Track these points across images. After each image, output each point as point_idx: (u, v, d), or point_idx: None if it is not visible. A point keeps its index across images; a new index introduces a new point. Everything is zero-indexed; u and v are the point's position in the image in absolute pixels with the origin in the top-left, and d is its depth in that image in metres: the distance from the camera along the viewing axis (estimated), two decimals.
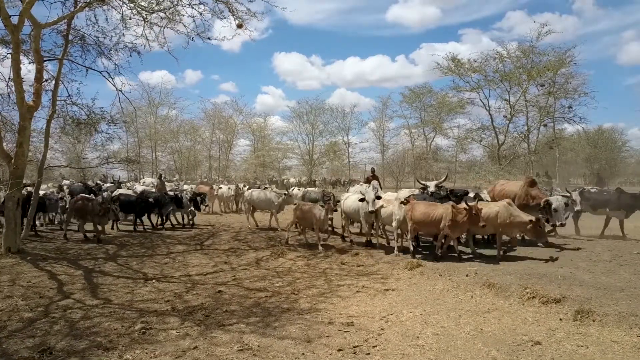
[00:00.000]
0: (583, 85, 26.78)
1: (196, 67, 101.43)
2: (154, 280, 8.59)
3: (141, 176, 35.35)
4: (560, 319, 5.41)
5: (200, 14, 11.82)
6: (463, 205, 8.57)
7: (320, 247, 10.44)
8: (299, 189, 17.46)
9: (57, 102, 11.69)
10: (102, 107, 11.93)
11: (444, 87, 37.98)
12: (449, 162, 49.63)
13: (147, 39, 12.26)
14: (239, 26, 12.73)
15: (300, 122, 44.43)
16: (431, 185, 10.52)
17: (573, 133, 35.61)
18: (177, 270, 9.38)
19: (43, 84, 10.71)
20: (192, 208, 14.30)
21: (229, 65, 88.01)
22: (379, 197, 9.79)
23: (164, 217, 14.24)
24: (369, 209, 9.63)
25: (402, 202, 9.36)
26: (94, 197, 12.54)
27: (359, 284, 7.80)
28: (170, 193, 14.33)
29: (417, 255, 9.18)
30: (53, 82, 11.66)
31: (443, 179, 11.69)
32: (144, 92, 36.32)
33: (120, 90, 11.02)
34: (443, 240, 8.99)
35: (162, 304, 7.25)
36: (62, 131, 12.03)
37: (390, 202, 9.73)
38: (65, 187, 17.42)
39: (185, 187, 18.40)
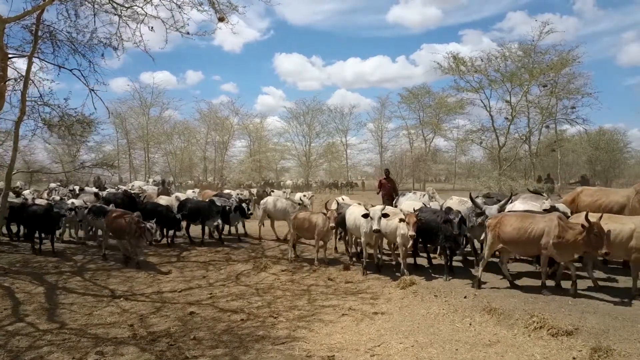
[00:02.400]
0: (586, 86, 25.98)
1: (197, 67, 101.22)
2: (120, 299, 7.79)
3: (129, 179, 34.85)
4: (574, 358, 4.60)
5: (179, 7, 11.00)
6: (579, 218, 6.56)
7: (316, 262, 9.57)
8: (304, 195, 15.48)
9: (28, 103, 10.86)
10: (75, 108, 11.08)
11: (444, 87, 37.09)
12: (449, 164, 48.87)
13: (122, 38, 11.42)
14: (221, 19, 11.98)
15: (297, 123, 43.59)
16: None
17: (574, 134, 34.88)
18: (149, 286, 8.57)
19: (8, 82, 9.90)
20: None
21: (229, 66, 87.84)
22: (385, 215, 8.29)
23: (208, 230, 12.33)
24: (374, 227, 8.09)
25: (401, 220, 7.95)
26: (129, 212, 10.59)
27: (346, 306, 7.00)
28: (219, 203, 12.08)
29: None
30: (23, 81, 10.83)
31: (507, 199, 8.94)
32: (135, 92, 35.62)
33: (92, 90, 10.21)
34: (548, 268, 6.97)
35: (122, 328, 6.46)
36: (33, 134, 11.20)
37: (395, 216, 8.34)
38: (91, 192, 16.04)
39: (189, 193, 16.69)
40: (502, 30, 77.19)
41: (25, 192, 16.19)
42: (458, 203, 8.33)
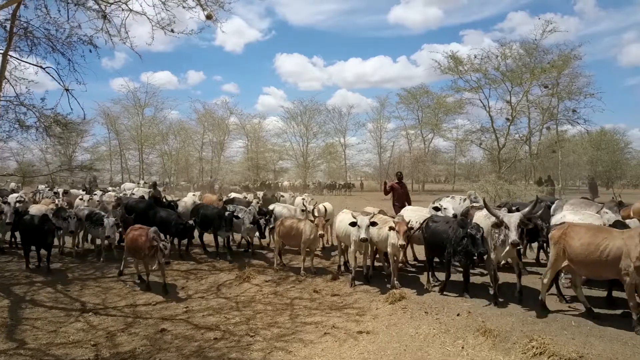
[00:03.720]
0: (588, 86, 25.38)
1: (198, 68, 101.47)
2: (90, 313, 7.27)
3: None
4: None
5: (164, 3, 10.47)
6: None
7: (302, 272, 9.02)
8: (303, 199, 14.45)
9: (2, 103, 10.33)
10: (52, 108, 10.52)
11: (442, 87, 36.58)
12: (449, 165, 48.31)
13: (110, 34, 10.92)
14: (208, 17, 11.49)
15: (294, 123, 43.04)
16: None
17: (575, 135, 34.35)
18: (123, 299, 8.04)
19: None
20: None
21: (231, 67, 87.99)
22: (374, 224, 7.67)
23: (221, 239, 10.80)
24: (361, 236, 7.57)
25: (391, 228, 7.38)
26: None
27: (329, 323, 6.47)
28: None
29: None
30: None
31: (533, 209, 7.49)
32: (129, 92, 35.06)
33: (67, 89, 9.68)
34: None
35: (85, 349, 5.95)
36: (7, 136, 10.64)
37: (386, 223, 7.74)
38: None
39: (190, 196, 15.30)
40: (503, 31, 76.93)
41: (11, 198, 15.22)
42: (484, 217, 7.01)
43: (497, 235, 6.47)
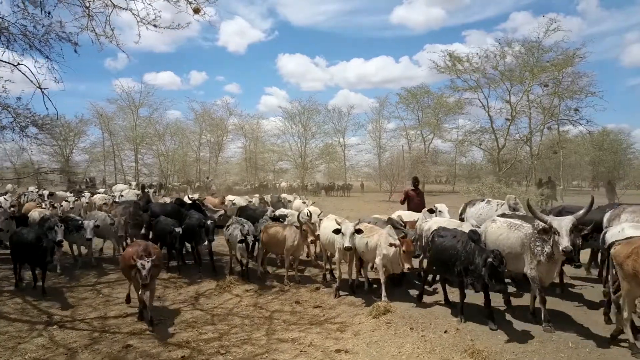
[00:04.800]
0: (590, 86, 24.83)
1: (201, 68, 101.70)
2: (55, 326, 6.81)
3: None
4: None
5: None
6: None
7: (286, 281, 8.56)
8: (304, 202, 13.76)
9: None
10: (29, 108, 10.08)
11: (440, 87, 36.05)
12: (449, 165, 47.74)
13: (95, 32, 10.50)
14: (196, 11, 11.09)
15: (292, 124, 42.58)
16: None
17: (577, 135, 33.79)
18: (94, 310, 7.59)
19: None
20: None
21: (233, 67, 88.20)
22: (359, 231, 7.21)
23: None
24: (345, 244, 7.11)
25: (392, 245, 6.71)
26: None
27: (307, 340, 5.99)
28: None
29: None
30: None
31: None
32: (123, 92, 34.61)
33: (40, 88, 9.24)
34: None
35: None
36: None
37: (374, 232, 7.31)
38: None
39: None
40: (506, 31, 76.62)
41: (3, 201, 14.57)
42: (508, 228, 6.15)
43: (539, 247, 5.48)
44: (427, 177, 43.76)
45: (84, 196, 17.11)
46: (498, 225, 6.43)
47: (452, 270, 6.06)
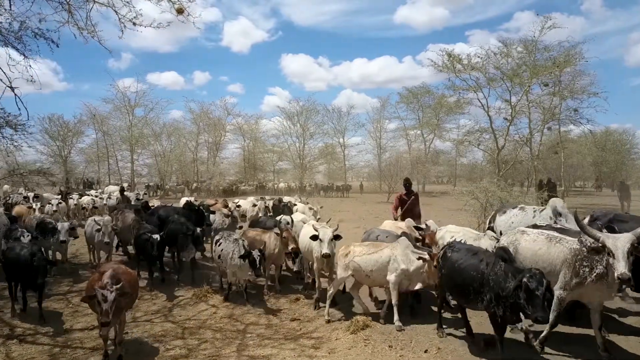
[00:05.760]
0: (592, 85, 24.26)
1: (204, 68, 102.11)
2: (14, 340, 6.41)
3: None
4: None
5: None
6: None
7: (265, 290, 8.13)
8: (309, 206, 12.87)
9: None
10: (3, 108, 9.70)
11: (439, 86, 35.38)
12: (451, 166, 47.24)
13: (79, 27, 10.15)
14: (179, 11, 10.81)
15: (290, 124, 42.15)
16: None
17: (579, 135, 33.28)
18: (61, 322, 7.17)
19: None
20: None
21: (236, 67, 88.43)
22: (338, 237, 6.81)
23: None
24: (323, 251, 6.64)
25: (421, 259, 5.95)
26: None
27: (279, 357, 5.57)
28: None
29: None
30: None
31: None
32: (118, 92, 34.24)
33: (11, 87, 8.85)
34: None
35: None
36: None
37: (382, 246, 6.51)
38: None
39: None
40: (509, 30, 76.08)
41: None
42: (547, 241, 5.13)
43: (586, 268, 4.66)
44: (428, 178, 43.35)
45: (71, 198, 16.74)
46: (533, 238, 5.37)
47: (474, 298, 4.89)
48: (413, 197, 9.44)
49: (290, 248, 7.80)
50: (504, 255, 4.89)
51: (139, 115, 35.41)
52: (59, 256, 9.93)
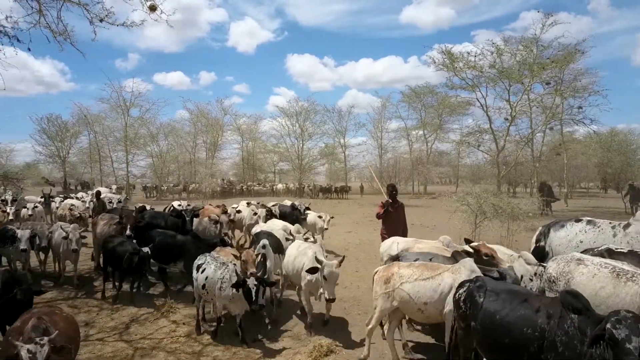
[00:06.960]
0: (594, 84, 23.54)
1: (210, 69, 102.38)
2: None
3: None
4: None
5: None
6: None
7: None
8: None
9: None
10: None
11: (437, 85, 34.55)
12: (454, 167, 46.43)
13: (52, 30, 9.65)
14: (152, 8, 10.28)
15: (289, 124, 41.53)
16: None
17: (584, 135, 32.49)
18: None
19: None
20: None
21: (242, 67, 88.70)
22: (319, 262, 5.82)
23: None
24: (328, 297, 5.75)
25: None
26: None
27: None
28: None
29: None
30: None
31: None
32: (114, 92, 33.75)
33: None
34: None
35: None
36: None
37: (438, 269, 4.97)
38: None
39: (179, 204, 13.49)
40: (515, 30, 75.15)
41: None
42: (613, 277, 3.83)
43: None
44: (430, 179, 42.62)
45: (53, 201, 16.23)
46: (593, 272, 3.95)
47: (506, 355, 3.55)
48: (397, 206, 8.40)
49: (249, 274, 5.97)
50: (573, 302, 3.33)
51: (135, 116, 34.92)
52: (19, 265, 9.36)
